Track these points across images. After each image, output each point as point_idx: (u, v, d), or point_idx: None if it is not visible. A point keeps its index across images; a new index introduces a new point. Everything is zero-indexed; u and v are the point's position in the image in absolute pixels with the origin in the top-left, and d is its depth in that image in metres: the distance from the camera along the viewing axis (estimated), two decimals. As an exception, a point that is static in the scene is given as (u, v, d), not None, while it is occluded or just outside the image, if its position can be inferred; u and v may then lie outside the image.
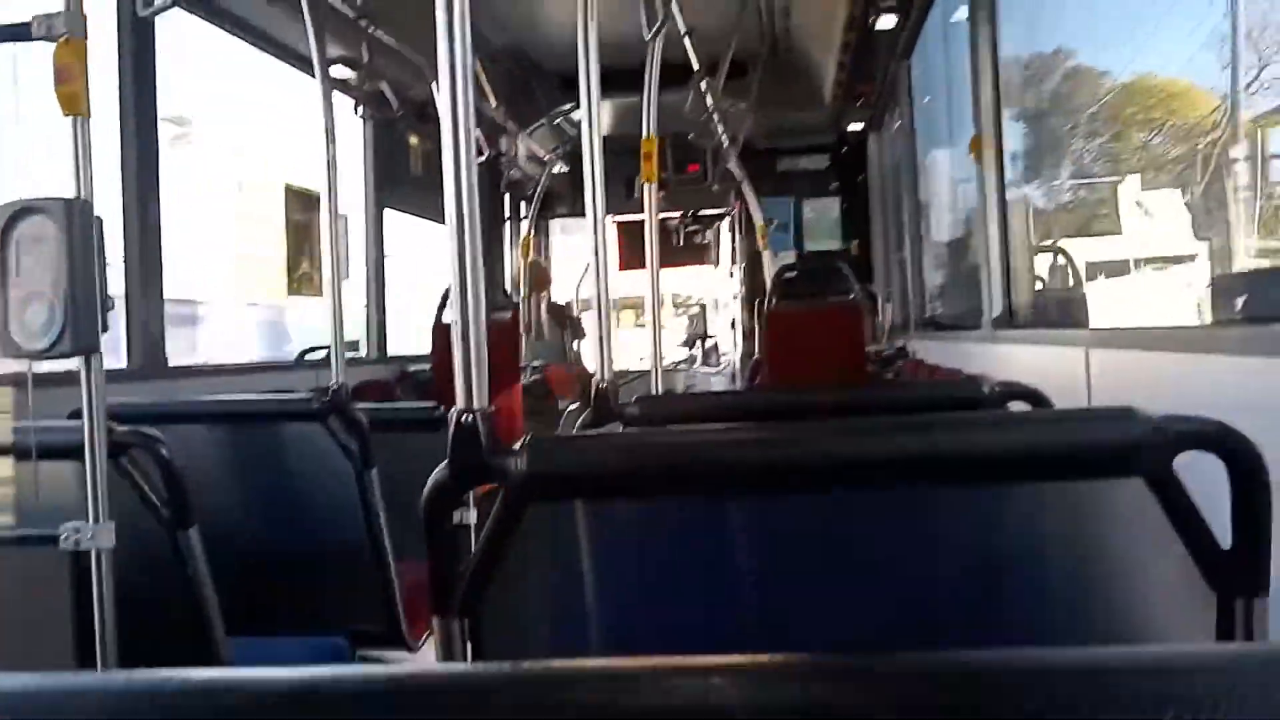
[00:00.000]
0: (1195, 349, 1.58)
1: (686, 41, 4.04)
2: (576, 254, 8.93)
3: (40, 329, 1.35)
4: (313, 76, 3.00)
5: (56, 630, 1.51)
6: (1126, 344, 1.97)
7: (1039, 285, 3.92)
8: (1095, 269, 4.03)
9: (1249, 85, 2.59)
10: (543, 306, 7.37)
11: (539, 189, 7.29)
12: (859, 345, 5.19)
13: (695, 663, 0.42)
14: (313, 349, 4.38)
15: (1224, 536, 0.85)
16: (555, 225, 8.71)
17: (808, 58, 6.15)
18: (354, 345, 4.92)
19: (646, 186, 2.55)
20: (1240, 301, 2.20)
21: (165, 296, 3.21)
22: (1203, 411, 0.88)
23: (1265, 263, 2.59)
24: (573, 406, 6.11)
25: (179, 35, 3.13)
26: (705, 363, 10.11)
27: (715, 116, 4.99)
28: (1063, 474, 0.87)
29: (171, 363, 3.27)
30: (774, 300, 5.42)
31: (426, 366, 5.19)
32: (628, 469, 0.89)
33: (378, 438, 2.28)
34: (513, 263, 7.69)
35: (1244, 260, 2.64)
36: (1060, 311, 3.75)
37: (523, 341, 6.22)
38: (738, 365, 8.00)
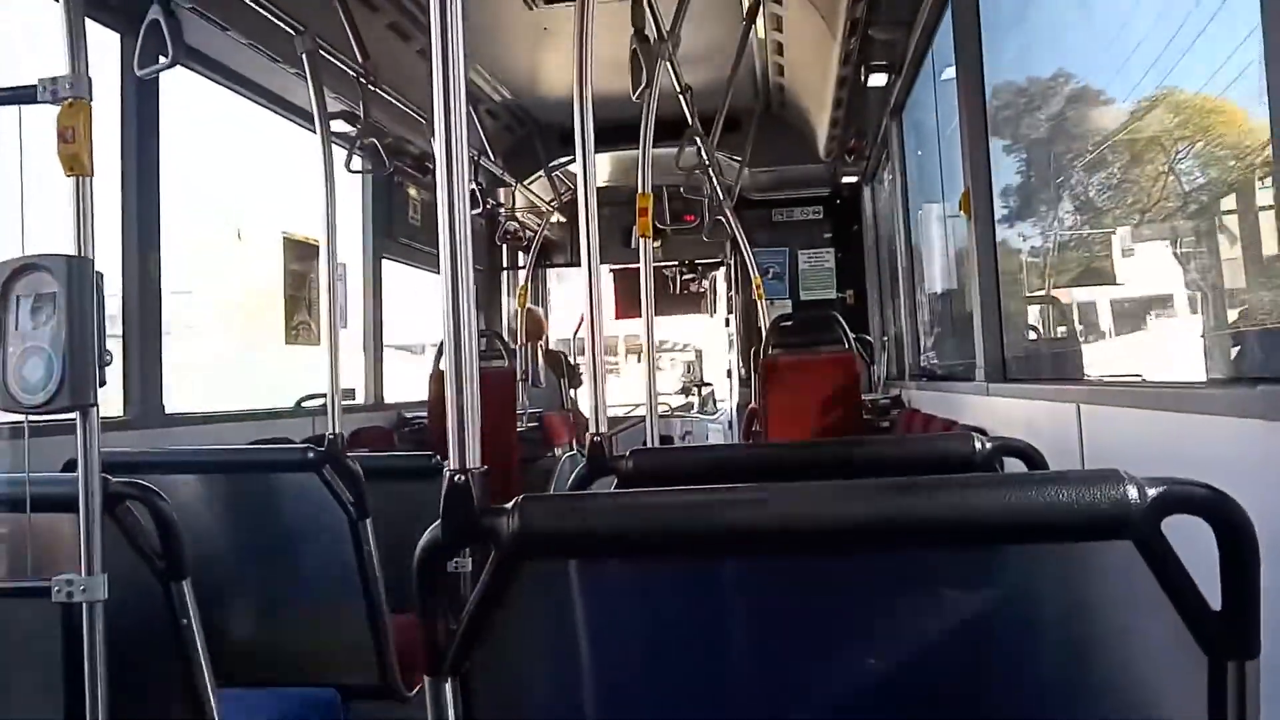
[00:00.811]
0: (1185, 408, 1.59)
1: (681, 98, 4.11)
2: (573, 302, 8.98)
3: (38, 383, 1.36)
4: (312, 130, 3.05)
5: (47, 681, 1.49)
6: (1117, 401, 1.98)
7: (1033, 336, 3.95)
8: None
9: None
10: (539, 354, 7.39)
11: (536, 239, 7.36)
12: (854, 395, 5.21)
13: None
14: (310, 396, 4.39)
15: (1215, 596, 0.85)
16: (552, 274, 8.77)
17: (801, 113, 6.26)
18: (350, 393, 4.93)
19: (642, 240, 2.58)
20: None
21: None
22: (1195, 470, 0.89)
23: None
24: (569, 455, 6.10)
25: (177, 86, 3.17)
26: (702, 410, 10.11)
27: (711, 169, 5.06)
28: (1051, 537, 0.87)
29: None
30: (770, 349, 5.45)
31: (424, 414, 5.19)
32: (620, 529, 0.90)
33: (374, 486, 2.28)
34: (509, 311, 7.73)
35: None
36: (1054, 364, 3.77)
37: (519, 389, 6.23)
38: (734, 413, 8.00)
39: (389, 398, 5.34)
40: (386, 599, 2.27)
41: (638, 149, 2.73)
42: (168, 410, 3.28)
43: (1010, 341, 3.20)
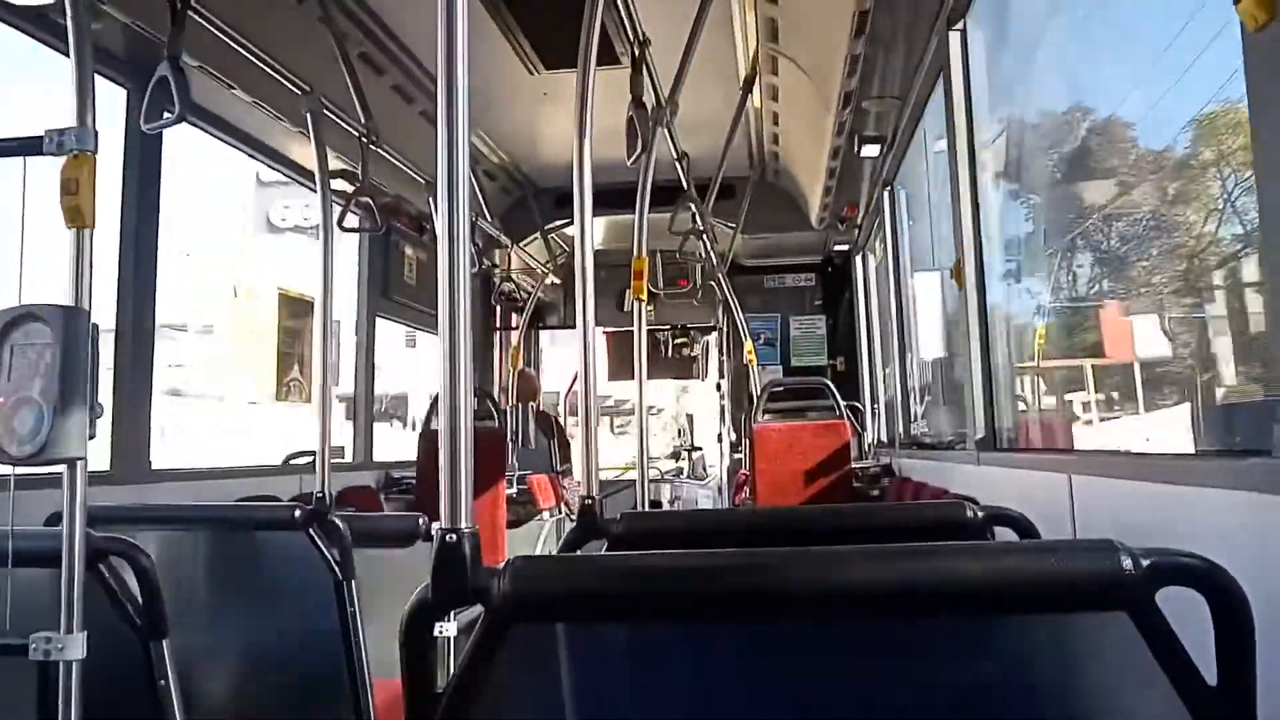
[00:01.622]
0: (1176, 480, 1.59)
1: (677, 165, 4.17)
2: (566, 363, 9.01)
3: (27, 434, 1.35)
4: (312, 189, 3.08)
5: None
6: (1108, 471, 1.98)
7: (1022, 407, 3.96)
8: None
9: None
10: (530, 416, 7.38)
11: (531, 300, 7.40)
12: (845, 462, 5.20)
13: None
14: (298, 454, 4.36)
15: (1210, 670, 0.84)
16: (545, 336, 8.80)
17: (795, 181, 6.36)
18: (339, 451, 4.90)
19: (636, 303, 2.60)
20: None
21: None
22: (1186, 541, 0.89)
23: None
24: (557, 518, 6.05)
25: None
26: (692, 475, 10.07)
27: (705, 235, 5.13)
28: (1045, 607, 0.87)
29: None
30: (761, 415, 5.46)
31: (412, 473, 5.15)
32: (614, 591, 0.89)
33: (360, 547, 2.26)
34: (502, 372, 7.74)
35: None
36: (1044, 435, 3.77)
37: (509, 450, 6.20)
38: (724, 478, 7.97)
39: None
40: (369, 662, 2.23)
41: (633, 213, 2.76)
42: (154, 466, 3.25)
43: (1000, 413, 3.20)
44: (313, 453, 2.87)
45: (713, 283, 6.40)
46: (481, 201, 5.84)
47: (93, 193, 1.42)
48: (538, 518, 6.02)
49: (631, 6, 3.10)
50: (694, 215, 4.77)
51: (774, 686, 0.93)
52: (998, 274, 3.39)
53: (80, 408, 1.35)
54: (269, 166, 4.32)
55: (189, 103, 2.51)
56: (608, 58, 3.11)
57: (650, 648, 0.94)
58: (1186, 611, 0.83)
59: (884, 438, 6.52)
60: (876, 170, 5.37)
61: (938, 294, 4.69)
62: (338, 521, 2.24)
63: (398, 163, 4.54)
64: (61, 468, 1.39)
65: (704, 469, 10.18)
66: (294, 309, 4.56)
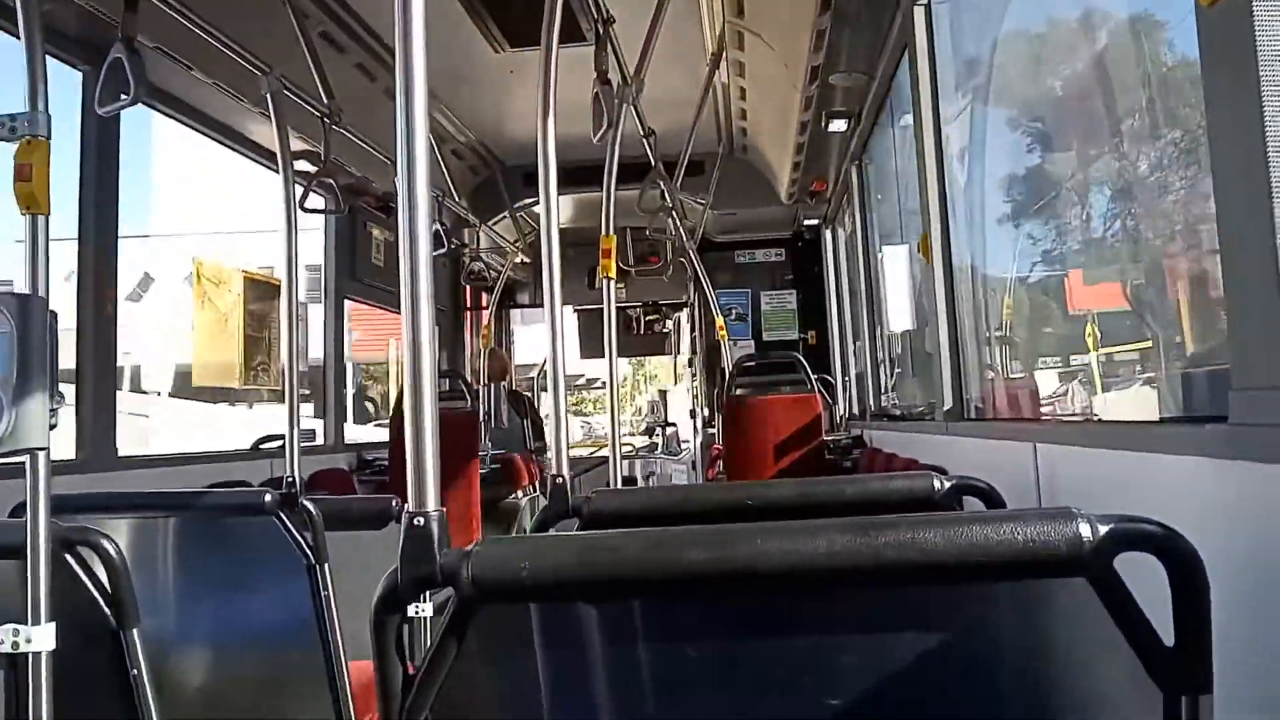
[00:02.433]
0: (1137, 447, 1.62)
1: (645, 141, 4.16)
2: (537, 343, 8.99)
3: (-13, 425, 1.33)
4: (274, 170, 3.04)
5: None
6: (1071, 439, 2.01)
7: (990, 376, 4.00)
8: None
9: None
10: (502, 395, 7.37)
11: (500, 279, 7.37)
12: (817, 434, 5.25)
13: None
14: (268, 438, 4.32)
15: (1168, 632, 0.86)
16: (516, 315, 8.78)
17: (764, 157, 6.36)
18: (310, 434, 4.87)
19: (606, 281, 2.59)
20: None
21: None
22: (1147, 507, 0.91)
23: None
24: (531, 497, 6.06)
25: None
26: (666, 450, 10.12)
27: (674, 211, 5.12)
28: (1006, 574, 0.88)
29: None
30: (733, 390, 5.48)
31: (385, 454, 5.14)
32: (581, 571, 0.89)
33: (332, 530, 2.25)
34: (473, 352, 7.71)
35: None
36: (1011, 404, 3.82)
37: (482, 430, 6.19)
38: (698, 453, 8.01)
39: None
40: (344, 645, 2.23)
41: (601, 191, 2.76)
42: (121, 452, 3.22)
43: (968, 384, 3.24)
44: (282, 436, 2.85)
45: (683, 259, 6.40)
46: (448, 180, 5.79)
47: (47, 178, 1.40)
48: (513, 496, 6.03)
49: None
50: (663, 192, 4.76)
51: (744, 661, 0.94)
52: (964, 246, 3.42)
53: (40, 397, 1.34)
54: (229, 149, 4.26)
55: (145, 84, 2.46)
56: (573, 35, 3.08)
57: (620, 625, 0.94)
58: (1146, 573, 0.85)
59: (855, 410, 6.58)
60: (844, 145, 5.38)
61: (906, 267, 4.72)
62: (309, 505, 2.24)
63: (362, 143, 4.49)
64: (24, 458, 1.38)
65: (678, 444, 10.22)
66: (259, 292, 4.51)
